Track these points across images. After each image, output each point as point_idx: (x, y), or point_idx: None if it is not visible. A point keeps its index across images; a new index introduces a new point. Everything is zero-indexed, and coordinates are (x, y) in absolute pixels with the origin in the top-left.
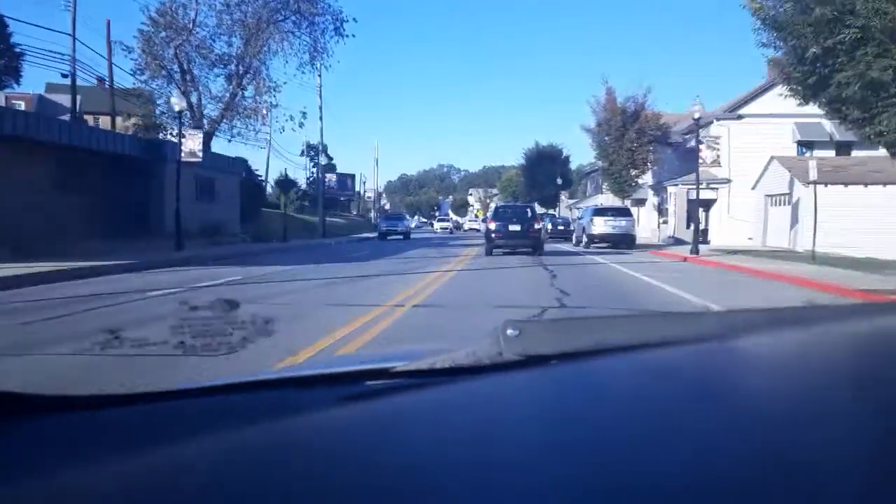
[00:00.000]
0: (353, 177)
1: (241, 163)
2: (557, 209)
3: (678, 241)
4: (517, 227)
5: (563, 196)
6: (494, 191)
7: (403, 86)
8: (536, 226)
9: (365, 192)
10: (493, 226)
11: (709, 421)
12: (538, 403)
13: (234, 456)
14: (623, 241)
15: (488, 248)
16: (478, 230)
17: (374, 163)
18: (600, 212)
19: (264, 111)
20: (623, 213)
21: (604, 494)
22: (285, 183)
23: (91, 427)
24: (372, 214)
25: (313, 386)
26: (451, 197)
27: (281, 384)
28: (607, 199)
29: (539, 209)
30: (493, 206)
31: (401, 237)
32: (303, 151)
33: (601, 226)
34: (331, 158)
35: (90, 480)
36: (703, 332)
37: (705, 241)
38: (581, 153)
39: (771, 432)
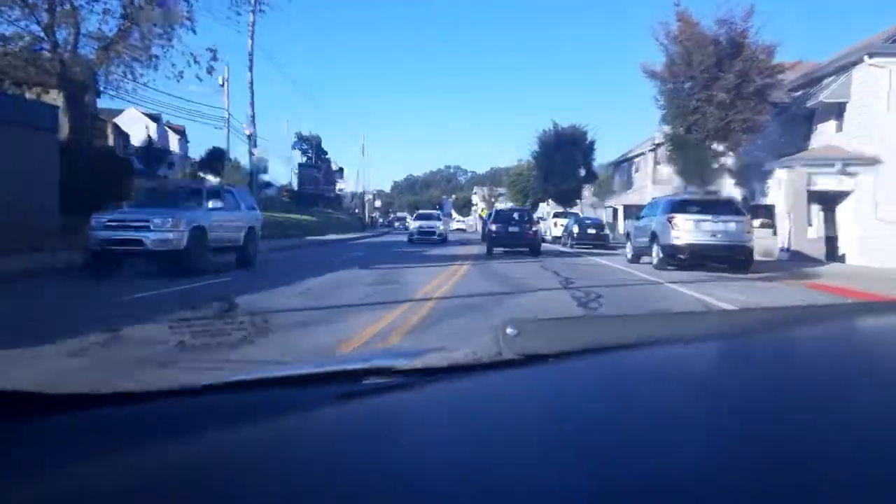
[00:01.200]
0: (329, 166)
1: (49, 112)
2: (580, 208)
3: (796, 256)
4: (516, 229)
5: (587, 192)
6: (501, 190)
7: (411, 85)
8: (533, 228)
9: (338, 184)
10: (493, 227)
11: (706, 419)
12: (537, 402)
13: (235, 454)
14: (732, 259)
15: (489, 247)
16: (464, 230)
17: (360, 150)
18: (686, 206)
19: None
20: (728, 208)
21: (603, 491)
22: (149, 152)
23: (91, 427)
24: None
25: (314, 384)
26: (454, 196)
27: (281, 382)
28: (657, 192)
29: (555, 208)
30: (496, 206)
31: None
32: (294, 144)
33: (690, 230)
34: (325, 153)
35: (90, 480)
36: (700, 332)
37: (835, 257)
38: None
39: (770, 430)
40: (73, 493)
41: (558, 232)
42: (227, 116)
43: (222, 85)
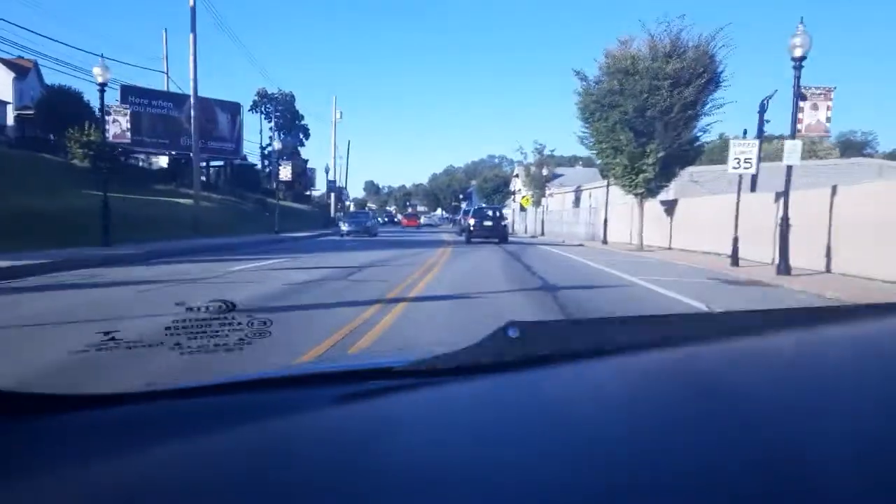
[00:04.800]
0: (213, 115)
1: None
2: None
3: None
4: (490, 223)
5: None
6: (560, 171)
7: (452, 77)
8: (503, 223)
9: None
10: (472, 221)
11: (707, 421)
12: (539, 404)
13: (234, 455)
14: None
15: (467, 237)
16: (430, 224)
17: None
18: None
19: None
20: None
21: (603, 494)
22: None
23: (91, 427)
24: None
25: (314, 385)
26: (482, 178)
27: (282, 383)
28: None
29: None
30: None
31: None
32: (254, 103)
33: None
34: (301, 117)
35: (90, 480)
36: (702, 334)
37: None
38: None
39: (770, 433)
40: (72, 493)
41: None
42: None
43: None
